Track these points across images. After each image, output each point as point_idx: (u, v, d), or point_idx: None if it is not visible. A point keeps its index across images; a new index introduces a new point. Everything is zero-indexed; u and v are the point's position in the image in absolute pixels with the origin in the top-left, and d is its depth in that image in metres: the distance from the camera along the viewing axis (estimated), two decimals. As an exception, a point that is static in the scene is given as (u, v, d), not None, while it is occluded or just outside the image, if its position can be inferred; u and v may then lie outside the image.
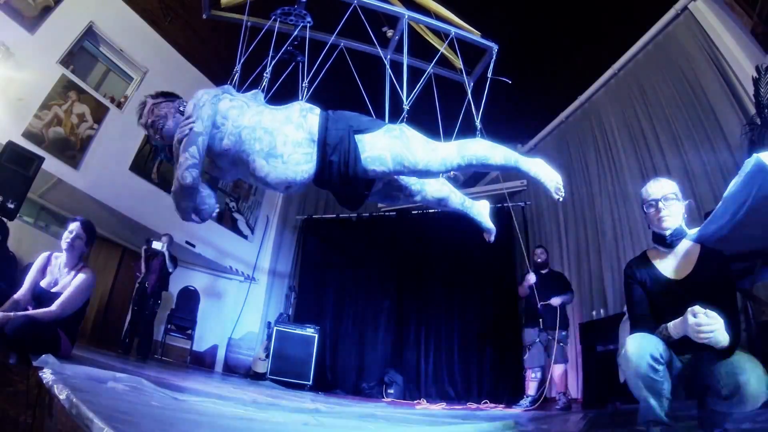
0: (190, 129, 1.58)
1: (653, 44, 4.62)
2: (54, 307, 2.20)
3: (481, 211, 2.11)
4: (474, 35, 3.23)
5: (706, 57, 3.92)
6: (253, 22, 3.05)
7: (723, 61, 3.76)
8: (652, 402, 1.44)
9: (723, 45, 3.78)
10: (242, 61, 2.62)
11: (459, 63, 3.31)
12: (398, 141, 1.63)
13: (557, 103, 5.84)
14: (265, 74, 2.49)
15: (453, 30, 3.14)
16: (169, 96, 1.75)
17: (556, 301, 4.20)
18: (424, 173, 1.69)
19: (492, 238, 2.18)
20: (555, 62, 5.25)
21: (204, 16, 3.27)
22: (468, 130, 2.76)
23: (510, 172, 1.83)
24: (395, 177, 1.80)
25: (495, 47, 3.18)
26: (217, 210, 1.84)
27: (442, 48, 3.19)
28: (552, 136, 6.19)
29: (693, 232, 1.67)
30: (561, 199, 1.77)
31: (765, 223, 1.61)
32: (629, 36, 4.73)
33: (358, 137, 1.62)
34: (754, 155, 1.36)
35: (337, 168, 1.61)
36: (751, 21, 3.57)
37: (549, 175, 1.74)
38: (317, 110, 1.71)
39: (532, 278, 4.27)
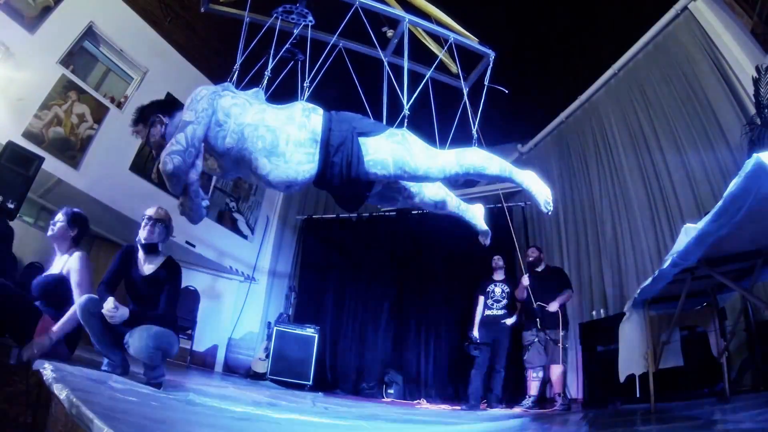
0: (183, 120, 1.57)
1: (653, 44, 4.62)
2: (75, 296, 2.27)
3: (476, 214, 2.14)
4: (472, 41, 3.24)
5: (706, 57, 3.92)
6: (253, 18, 3.04)
7: (723, 61, 3.76)
8: None
9: (723, 45, 3.77)
10: (243, 58, 2.61)
11: (455, 68, 3.32)
12: (400, 146, 1.65)
13: (557, 103, 5.83)
14: (265, 72, 2.49)
15: (452, 36, 3.14)
16: (144, 119, 1.76)
17: (553, 306, 4.17)
18: (423, 179, 1.73)
19: (488, 242, 2.21)
20: (555, 62, 5.25)
21: (202, 10, 3.25)
22: (465, 134, 2.77)
23: (503, 183, 1.89)
24: (394, 180, 1.81)
25: (492, 54, 3.19)
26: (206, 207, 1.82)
27: (441, 53, 3.20)
28: (552, 136, 6.19)
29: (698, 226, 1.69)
30: (549, 213, 1.85)
31: (765, 223, 1.61)
32: (629, 36, 4.73)
33: (361, 140, 1.63)
34: (754, 155, 1.36)
35: (339, 169, 1.61)
36: (751, 21, 3.57)
37: (539, 189, 1.81)
38: (320, 110, 1.71)
39: (525, 281, 4.30)
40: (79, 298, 2.22)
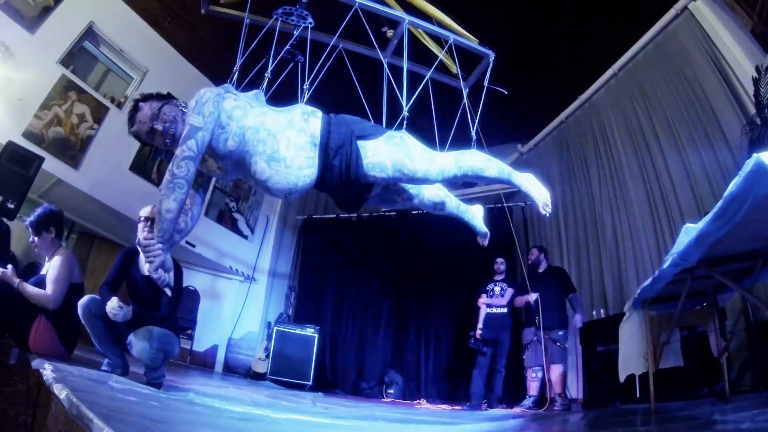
0: (190, 125, 1.54)
1: (653, 44, 4.62)
2: (47, 290, 2.28)
3: (475, 215, 2.15)
4: (472, 42, 3.24)
5: (706, 57, 3.92)
6: (253, 20, 3.04)
7: (723, 61, 3.75)
8: None
9: (723, 45, 3.77)
10: (243, 59, 2.61)
11: (455, 68, 3.32)
12: (399, 149, 1.65)
13: (557, 103, 5.83)
14: (265, 74, 2.49)
15: (452, 36, 3.14)
16: (163, 98, 1.70)
17: (578, 321, 4.17)
18: (422, 181, 1.73)
19: (486, 242, 2.21)
20: (555, 62, 5.25)
21: (202, 12, 3.26)
22: (465, 135, 2.77)
23: (502, 184, 1.89)
24: (393, 182, 1.81)
25: (492, 55, 3.19)
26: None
27: (441, 54, 3.20)
28: (552, 136, 6.19)
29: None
30: (547, 215, 1.84)
31: (765, 223, 1.61)
32: (629, 36, 4.73)
33: (360, 143, 1.63)
34: (754, 155, 1.36)
35: (338, 172, 1.62)
36: (751, 21, 3.57)
37: (538, 191, 1.82)
38: (319, 113, 1.71)
39: (533, 297, 4.26)
40: (47, 293, 2.25)
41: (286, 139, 1.60)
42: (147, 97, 1.70)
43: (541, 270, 4.54)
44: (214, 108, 1.57)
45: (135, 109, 1.67)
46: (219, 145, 1.59)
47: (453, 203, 2.07)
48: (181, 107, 1.66)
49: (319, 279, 6.73)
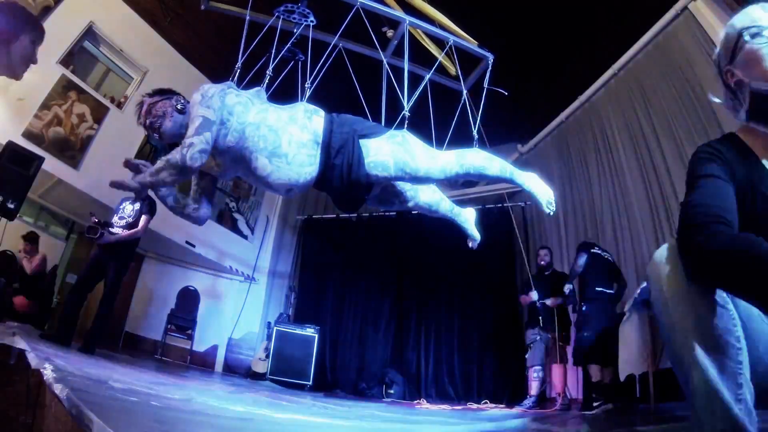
0: (203, 116, 1.55)
1: (653, 44, 4.62)
2: None
3: (467, 218, 2.17)
4: (471, 44, 3.24)
5: (706, 57, 3.92)
6: (253, 17, 3.04)
7: (723, 61, 3.75)
8: (717, 380, 0.71)
9: (723, 45, 3.77)
10: (244, 57, 2.61)
11: (454, 70, 3.32)
12: (401, 148, 1.66)
13: (557, 103, 5.83)
14: (267, 72, 2.48)
15: (451, 38, 3.15)
16: (165, 93, 1.73)
17: (550, 301, 4.24)
18: (424, 180, 1.74)
19: (475, 245, 2.22)
20: (555, 62, 5.25)
21: (202, 7, 3.26)
22: (464, 135, 2.77)
23: (504, 183, 1.89)
24: (393, 182, 1.82)
25: (491, 57, 3.19)
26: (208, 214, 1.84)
27: (441, 56, 3.20)
28: (552, 136, 6.19)
29: None
30: (551, 214, 1.85)
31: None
32: (629, 36, 4.72)
33: (362, 142, 1.64)
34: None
35: (340, 171, 1.62)
36: (751, 21, 3.57)
37: (541, 190, 1.83)
38: (322, 112, 1.72)
39: (534, 296, 4.30)
40: None
41: (288, 136, 1.61)
42: (154, 93, 1.74)
43: (548, 273, 4.57)
44: (221, 103, 1.59)
45: (140, 103, 1.73)
46: (218, 141, 1.60)
47: (447, 205, 2.09)
48: (180, 102, 1.67)
49: (319, 279, 6.74)
